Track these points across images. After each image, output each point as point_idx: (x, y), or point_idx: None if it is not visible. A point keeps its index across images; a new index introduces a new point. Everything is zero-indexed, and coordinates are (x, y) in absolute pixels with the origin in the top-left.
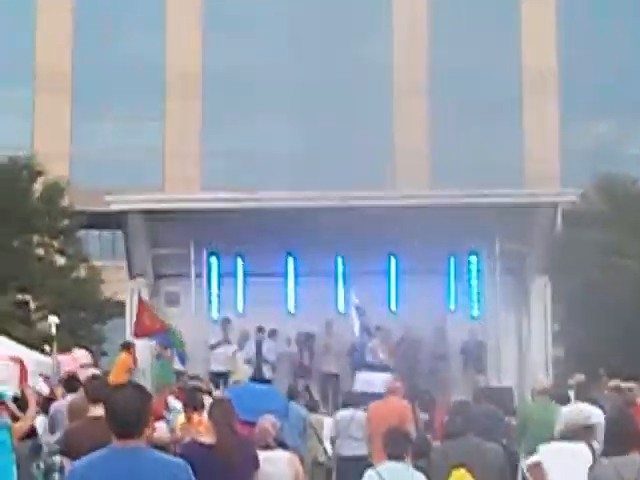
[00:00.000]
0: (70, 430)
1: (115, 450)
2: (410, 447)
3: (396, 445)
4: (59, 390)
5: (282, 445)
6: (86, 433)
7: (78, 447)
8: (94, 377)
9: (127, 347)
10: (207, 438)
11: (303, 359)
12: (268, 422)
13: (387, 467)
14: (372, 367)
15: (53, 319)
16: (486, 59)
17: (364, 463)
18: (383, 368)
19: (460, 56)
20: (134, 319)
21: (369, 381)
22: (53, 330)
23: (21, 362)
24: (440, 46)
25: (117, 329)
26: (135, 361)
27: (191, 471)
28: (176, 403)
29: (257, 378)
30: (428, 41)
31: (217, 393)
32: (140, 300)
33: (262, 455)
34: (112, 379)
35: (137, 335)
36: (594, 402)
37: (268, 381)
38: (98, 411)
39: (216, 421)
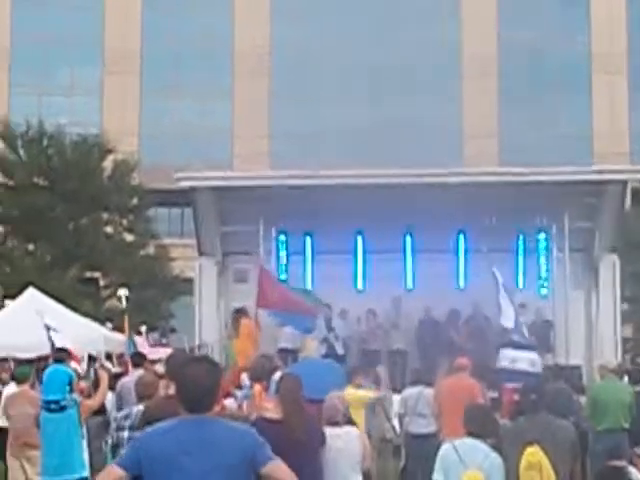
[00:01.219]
0: (149, 406)
1: (183, 420)
2: (491, 426)
3: (476, 422)
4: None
5: (350, 421)
6: (165, 409)
7: (156, 423)
8: (174, 354)
9: (242, 313)
10: (274, 414)
11: (371, 336)
12: (336, 398)
13: (464, 442)
14: (518, 345)
15: (123, 292)
16: (555, 37)
17: (432, 440)
18: (529, 347)
19: (529, 35)
20: (257, 289)
21: (514, 358)
22: (124, 303)
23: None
24: (509, 25)
25: (185, 306)
26: (258, 325)
27: (262, 438)
28: (248, 381)
29: (329, 355)
30: (497, 20)
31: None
32: (262, 270)
33: (331, 431)
34: (238, 346)
35: (259, 306)
36: None
37: (340, 357)
38: None
39: (283, 397)
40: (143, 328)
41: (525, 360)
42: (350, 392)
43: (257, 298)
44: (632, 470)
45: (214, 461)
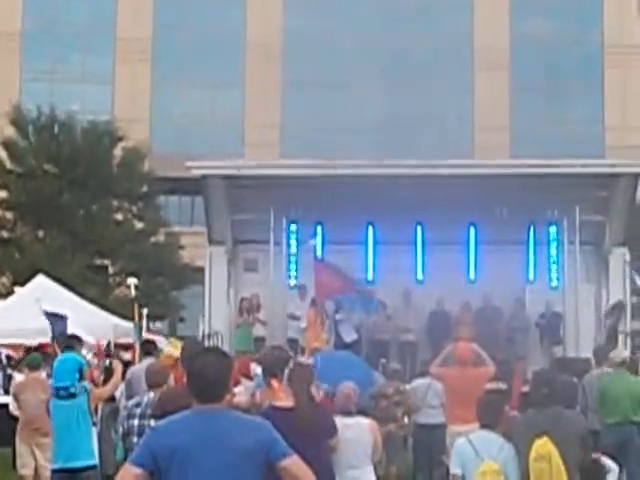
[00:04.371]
0: (163, 395)
1: (196, 411)
2: (502, 417)
3: (489, 414)
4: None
5: (362, 412)
6: (179, 398)
7: (171, 412)
8: (193, 342)
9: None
10: (285, 403)
11: (381, 327)
12: (349, 388)
13: (478, 435)
14: None
15: (132, 280)
16: (568, 30)
17: (441, 431)
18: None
19: (541, 27)
20: (313, 280)
21: None
22: (132, 291)
23: None
24: (521, 17)
25: (195, 296)
26: (321, 314)
27: (274, 430)
28: (259, 370)
29: (337, 345)
30: (509, 12)
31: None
32: (315, 260)
33: (343, 421)
34: (307, 335)
35: (321, 296)
36: None
37: (348, 346)
38: None
39: (294, 387)
40: (144, 311)
41: None
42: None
43: (316, 290)
44: (606, 461)
45: (228, 454)
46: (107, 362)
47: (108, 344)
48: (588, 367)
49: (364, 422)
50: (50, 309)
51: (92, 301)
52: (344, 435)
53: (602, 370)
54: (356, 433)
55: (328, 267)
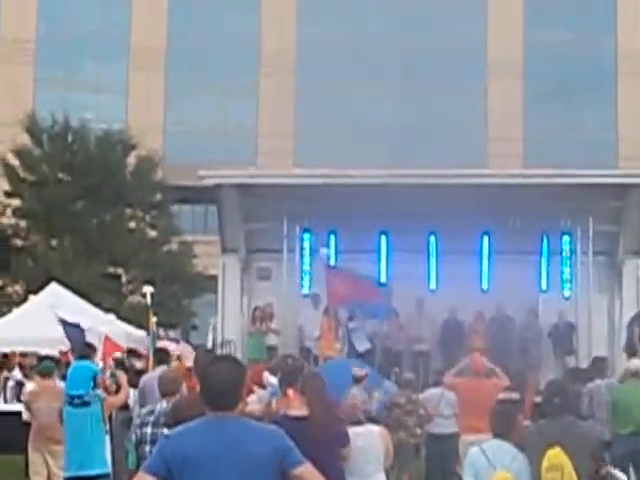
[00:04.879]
0: (176, 403)
1: (210, 419)
2: (515, 427)
3: (502, 423)
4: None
5: (372, 420)
6: (192, 406)
7: (185, 421)
8: (206, 351)
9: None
10: (298, 412)
11: (394, 337)
12: (355, 398)
13: (492, 445)
14: None
15: (148, 288)
16: (581, 39)
17: (453, 441)
18: None
19: (555, 36)
20: (325, 288)
21: None
22: (148, 300)
23: (106, 337)
24: (535, 26)
25: (208, 305)
26: (333, 322)
27: (288, 438)
28: (272, 379)
29: (350, 354)
30: (523, 22)
31: (310, 368)
32: (326, 268)
33: (353, 430)
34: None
35: (332, 304)
36: None
37: (361, 356)
38: None
39: (308, 395)
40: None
41: None
42: None
43: (328, 298)
44: (616, 472)
45: (242, 462)
46: (110, 372)
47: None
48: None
49: (375, 429)
50: (66, 317)
51: (106, 309)
52: (355, 444)
53: (610, 380)
54: (367, 441)
55: (340, 274)
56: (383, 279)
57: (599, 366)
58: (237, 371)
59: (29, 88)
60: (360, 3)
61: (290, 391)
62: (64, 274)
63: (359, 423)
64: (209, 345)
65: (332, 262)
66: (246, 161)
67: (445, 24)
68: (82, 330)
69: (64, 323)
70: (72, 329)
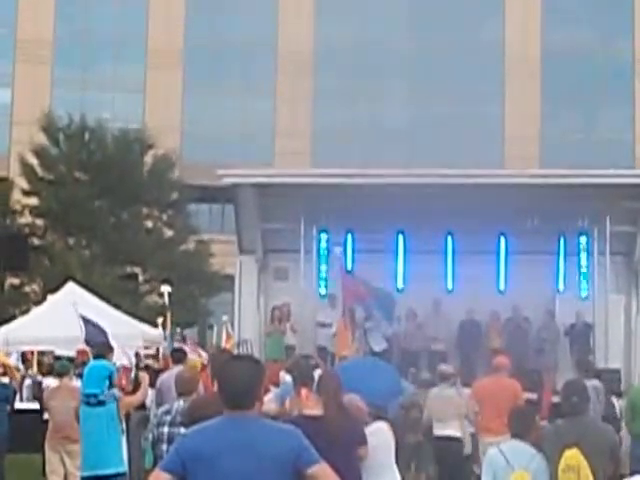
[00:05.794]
0: (193, 402)
1: (227, 419)
2: (533, 427)
3: (521, 424)
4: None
5: (379, 417)
6: (209, 405)
7: (202, 419)
8: (222, 350)
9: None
10: (314, 411)
11: (411, 336)
12: (355, 400)
13: (510, 446)
14: None
15: (166, 288)
16: (599, 41)
17: (458, 444)
18: None
19: (573, 37)
20: (341, 291)
21: None
22: (166, 299)
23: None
24: (553, 27)
25: (225, 304)
26: (347, 322)
27: (304, 437)
28: (288, 378)
29: (367, 354)
30: (541, 22)
31: (326, 368)
32: (341, 269)
33: (368, 430)
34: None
35: (348, 303)
36: None
37: (377, 355)
38: None
39: (324, 395)
40: (160, 320)
41: None
42: None
43: (343, 297)
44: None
45: (258, 461)
46: (133, 374)
47: (136, 354)
48: (618, 378)
49: (383, 425)
50: (88, 316)
51: (124, 311)
52: (370, 443)
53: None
54: (379, 438)
55: (352, 277)
56: (400, 279)
57: (584, 367)
58: (256, 370)
59: (47, 88)
60: (378, 4)
61: (304, 391)
62: (82, 273)
63: (366, 424)
64: (222, 343)
65: (348, 263)
66: (263, 161)
67: (464, 25)
68: (103, 331)
69: (85, 320)
70: (92, 327)
